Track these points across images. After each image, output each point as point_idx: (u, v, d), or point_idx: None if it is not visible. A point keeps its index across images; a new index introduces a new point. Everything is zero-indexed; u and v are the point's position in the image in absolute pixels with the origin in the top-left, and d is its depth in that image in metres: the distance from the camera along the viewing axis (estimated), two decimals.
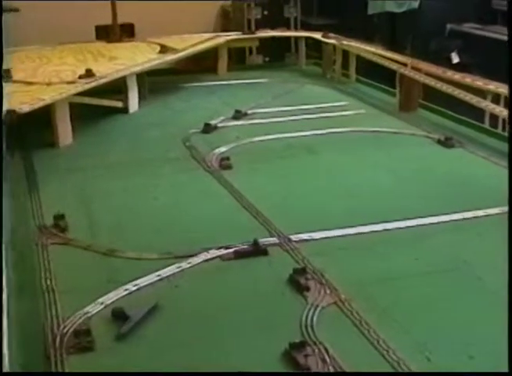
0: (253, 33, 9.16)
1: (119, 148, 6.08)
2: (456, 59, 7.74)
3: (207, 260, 3.92)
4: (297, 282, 3.61)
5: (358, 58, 8.08)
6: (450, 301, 3.51)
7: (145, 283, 3.64)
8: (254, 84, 8.32)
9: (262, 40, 9.24)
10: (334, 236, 4.20)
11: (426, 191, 4.94)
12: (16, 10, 8.42)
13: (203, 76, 8.64)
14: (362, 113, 6.98)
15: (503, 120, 5.98)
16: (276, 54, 9.62)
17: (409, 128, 6.42)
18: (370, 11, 9.06)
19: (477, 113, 6.32)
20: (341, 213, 4.57)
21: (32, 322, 3.32)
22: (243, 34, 9.10)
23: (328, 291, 3.54)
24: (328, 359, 2.97)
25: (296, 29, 9.69)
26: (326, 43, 8.59)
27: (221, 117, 6.75)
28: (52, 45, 8.10)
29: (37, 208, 4.70)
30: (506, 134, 5.88)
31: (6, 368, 2.24)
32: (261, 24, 9.47)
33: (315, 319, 3.30)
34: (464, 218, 4.42)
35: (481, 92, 6.22)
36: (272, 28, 9.33)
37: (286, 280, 3.66)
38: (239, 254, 3.96)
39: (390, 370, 2.95)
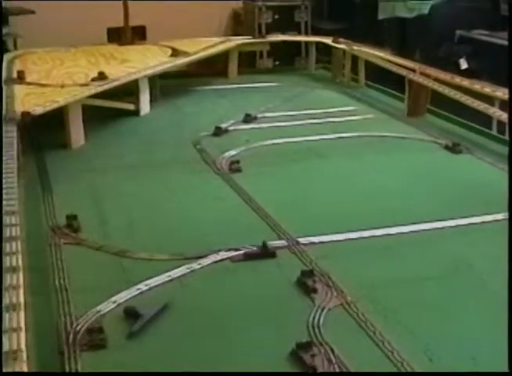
0: (264, 37, 9.24)
1: (130, 150, 6.15)
2: (464, 65, 7.79)
3: (216, 261, 3.99)
4: (305, 284, 3.68)
5: (368, 63, 8.15)
6: (455, 305, 3.58)
7: (156, 283, 3.72)
8: (264, 88, 8.41)
9: (272, 44, 9.32)
10: (342, 240, 4.27)
11: (433, 196, 5.01)
12: (32, 12, 8.51)
13: (214, 79, 8.72)
14: (370, 118, 7.05)
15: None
16: (286, 58, 9.69)
17: (417, 134, 6.49)
18: (380, 16, 9.13)
19: (486, 119, 6.36)
20: (349, 217, 4.64)
21: (46, 320, 3.39)
22: (254, 38, 9.17)
23: (335, 293, 3.61)
24: (334, 359, 3.04)
25: (306, 33, 9.76)
26: (337, 48, 8.65)
27: (232, 121, 6.82)
28: (65, 48, 8.18)
29: (50, 209, 4.78)
30: None
31: (24, 364, 2.32)
32: (272, 28, 9.56)
33: (321, 320, 3.37)
34: (470, 223, 4.49)
35: (489, 99, 6.28)
36: (283, 32, 9.41)
37: (293, 281, 3.74)
38: (248, 256, 4.04)
39: (394, 370, 3.02)
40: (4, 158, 4.32)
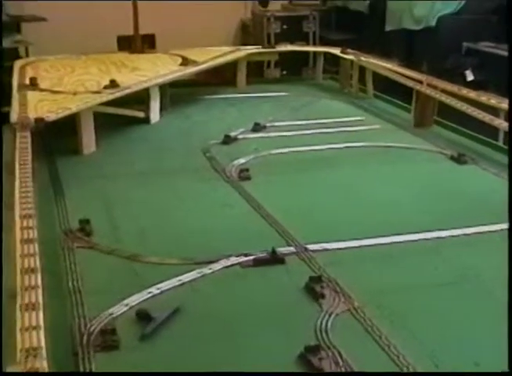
0: (273, 47, 9.33)
1: (140, 157, 6.24)
2: (470, 76, 7.87)
3: (227, 266, 4.07)
4: (313, 289, 3.76)
5: (376, 74, 8.23)
6: (461, 312, 3.65)
7: (167, 287, 3.80)
8: (272, 98, 8.49)
9: (280, 54, 9.41)
10: (349, 247, 4.35)
11: (438, 206, 5.08)
12: (44, 20, 8.62)
13: (223, 88, 8.81)
14: (377, 129, 7.12)
15: None
16: (294, 68, 9.80)
17: (423, 144, 6.56)
18: (388, 27, 9.22)
19: (492, 130, 6.43)
20: (357, 225, 4.71)
21: (60, 321, 3.46)
22: (263, 47, 9.27)
23: (342, 299, 3.68)
24: (341, 362, 3.12)
25: (314, 43, 9.86)
26: (344, 58, 8.73)
27: (241, 129, 6.90)
28: (76, 55, 8.28)
29: (63, 213, 4.87)
30: None
31: (44, 361, 2.40)
32: (281, 38, 9.65)
33: (329, 324, 3.44)
34: (476, 233, 4.55)
35: (495, 110, 6.36)
36: (291, 42, 9.50)
37: (302, 287, 3.81)
38: (258, 262, 4.11)
39: None
40: (19, 163, 4.41)
